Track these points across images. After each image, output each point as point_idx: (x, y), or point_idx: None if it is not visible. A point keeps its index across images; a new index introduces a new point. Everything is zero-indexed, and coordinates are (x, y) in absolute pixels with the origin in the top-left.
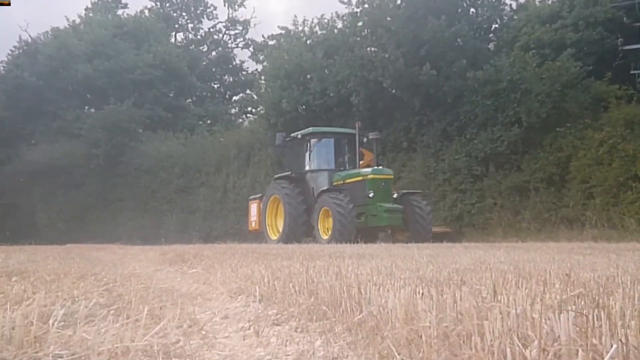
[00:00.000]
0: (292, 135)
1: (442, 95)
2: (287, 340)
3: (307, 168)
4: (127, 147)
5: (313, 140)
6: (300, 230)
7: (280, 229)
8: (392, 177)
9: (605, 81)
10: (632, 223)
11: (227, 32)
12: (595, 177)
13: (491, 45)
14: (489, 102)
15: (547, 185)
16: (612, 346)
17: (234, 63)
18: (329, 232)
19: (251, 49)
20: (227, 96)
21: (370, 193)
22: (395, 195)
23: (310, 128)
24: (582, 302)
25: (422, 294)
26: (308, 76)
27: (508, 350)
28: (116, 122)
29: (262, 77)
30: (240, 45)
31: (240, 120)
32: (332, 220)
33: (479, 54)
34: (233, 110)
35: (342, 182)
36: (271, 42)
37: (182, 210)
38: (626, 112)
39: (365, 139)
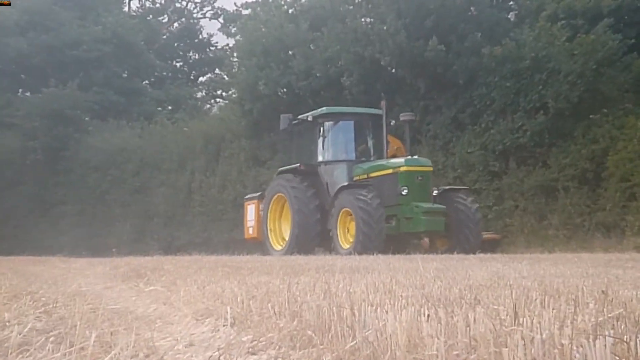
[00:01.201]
0: (300, 117)
1: (452, 75)
2: None
3: (319, 159)
4: (70, 139)
5: (327, 124)
6: (312, 237)
7: (287, 237)
8: (431, 169)
9: None
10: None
11: None
12: (637, 173)
13: (511, 15)
14: (508, 84)
15: (579, 184)
16: None
17: (200, 37)
18: (352, 240)
19: (221, 19)
20: (192, 77)
21: (403, 190)
22: (435, 193)
23: (324, 108)
24: (622, 326)
25: (428, 315)
26: (290, 53)
27: None
28: (57, 108)
29: (235, 54)
30: (207, 15)
31: (208, 106)
32: (354, 225)
33: (496, 25)
34: (199, 94)
35: (365, 176)
36: (245, 12)
37: (138, 215)
38: None
39: (392, 122)
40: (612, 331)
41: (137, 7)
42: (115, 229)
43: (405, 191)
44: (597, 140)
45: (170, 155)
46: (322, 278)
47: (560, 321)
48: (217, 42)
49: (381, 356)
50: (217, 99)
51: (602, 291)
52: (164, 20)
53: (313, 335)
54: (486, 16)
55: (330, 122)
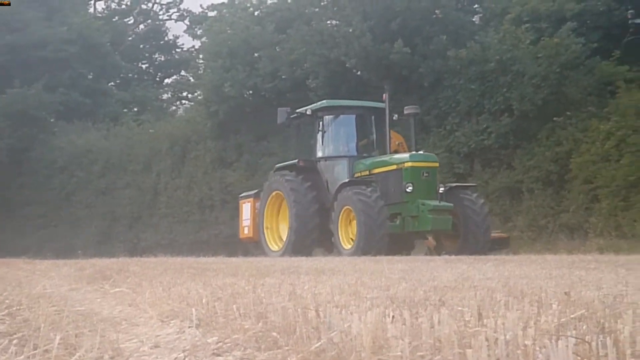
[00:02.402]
0: (298, 110)
1: (417, 78)
2: None
3: (319, 154)
4: (35, 139)
5: (327, 117)
6: (311, 237)
7: (284, 237)
8: (437, 164)
9: (612, 61)
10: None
11: (157, 0)
12: (600, 176)
13: (476, 18)
14: (473, 86)
15: (543, 186)
16: None
17: (166, 39)
18: (354, 241)
19: (187, 21)
20: (157, 78)
21: (408, 187)
22: (441, 190)
23: (324, 101)
24: (585, 327)
25: (393, 317)
26: (256, 54)
27: None
28: (22, 109)
29: (201, 56)
30: (173, 17)
31: (174, 107)
32: (356, 224)
33: (461, 28)
34: (165, 96)
35: (367, 172)
36: (211, 14)
37: (104, 217)
38: (638, 98)
39: (395, 116)
40: (574, 332)
41: (102, 8)
42: (80, 231)
43: (410, 188)
44: (561, 143)
45: (136, 157)
46: (288, 280)
47: (524, 322)
48: (183, 44)
49: (346, 357)
50: (183, 101)
51: (565, 292)
52: (129, 22)
53: (278, 336)
54: (451, 19)
55: (330, 116)
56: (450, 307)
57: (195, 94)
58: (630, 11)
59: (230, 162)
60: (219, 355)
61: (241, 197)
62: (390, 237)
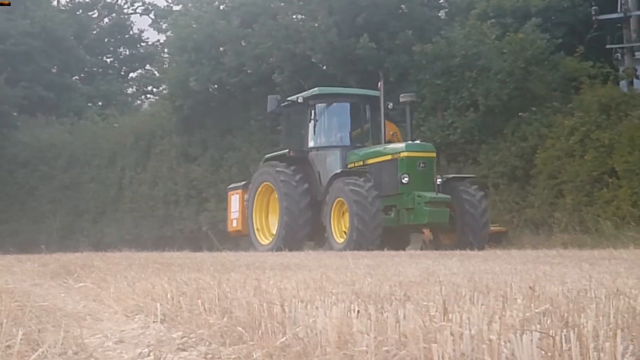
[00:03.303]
0: (289, 99)
1: (383, 72)
2: None
3: (311, 144)
4: None
5: (319, 106)
6: (302, 231)
7: (275, 231)
8: (434, 154)
9: (576, 57)
10: (609, 226)
11: None
12: (565, 171)
13: (442, 13)
14: (439, 81)
15: (508, 181)
16: None
17: (131, 32)
18: (346, 234)
19: (152, 15)
20: (122, 73)
21: (403, 178)
22: (438, 181)
23: (316, 89)
24: (549, 321)
25: (358, 312)
26: (221, 49)
27: None
28: None
29: (166, 50)
30: (138, 10)
31: (139, 102)
32: (348, 217)
33: (427, 23)
34: (130, 90)
35: (361, 163)
36: (176, 7)
37: (68, 211)
38: (601, 94)
39: (390, 104)
40: (538, 326)
41: (66, 1)
42: (44, 225)
43: (406, 179)
44: (526, 138)
45: (101, 152)
46: (253, 275)
47: (489, 317)
48: (148, 38)
49: (311, 352)
50: (148, 95)
51: (530, 287)
52: (94, 15)
53: (243, 331)
54: (417, 14)
55: (323, 104)
56: (416, 302)
57: (160, 88)
58: (594, 7)
59: (195, 156)
60: (183, 350)
61: (229, 188)
62: (384, 230)
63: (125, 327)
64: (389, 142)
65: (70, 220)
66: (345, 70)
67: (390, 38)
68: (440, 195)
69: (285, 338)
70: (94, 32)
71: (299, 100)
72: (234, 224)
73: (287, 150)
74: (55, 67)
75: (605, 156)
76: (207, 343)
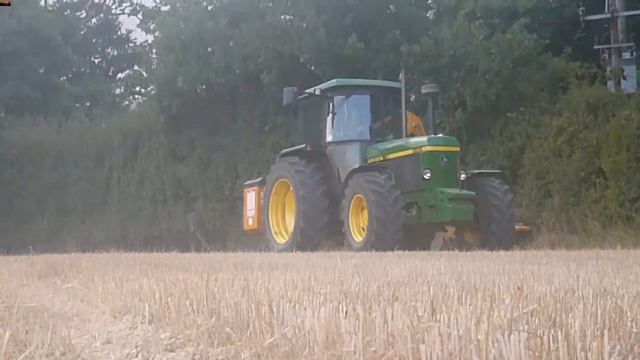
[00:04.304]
0: (307, 91)
1: (371, 72)
2: None
3: (329, 139)
4: None
5: (338, 98)
6: (320, 229)
7: (291, 229)
8: (458, 149)
9: (564, 57)
10: (596, 226)
11: None
12: (553, 171)
13: (430, 14)
14: (427, 81)
15: None
16: None
17: (118, 33)
18: (365, 233)
19: (140, 15)
20: (110, 73)
21: (425, 173)
22: (462, 177)
23: (334, 80)
24: (536, 321)
25: (346, 312)
26: (209, 49)
27: None
28: None
29: (154, 50)
30: (126, 10)
31: (127, 102)
32: (367, 215)
33: (415, 23)
34: (118, 90)
35: (381, 157)
36: (164, 8)
37: (55, 211)
38: (589, 95)
39: (412, 97)
40: (526, 326)
41: (54, 1)
42: (31, 226)
43: (428, 175)
44: (514, 138)
45: (88, 151)
46: (241, 275)
47: (477, 317)
48: (135, 39)
49: (299, 352)
50: (136, 95)
51: (518, 287)
52: (81, 16)
53: (231, 332)
54: (405, 14)
55: (342, 97)
56: (404, 302)
57: (148, 88)
58: (581, 8)
59: (183, 156)
60: (171, 350)
61: (245, 185)
62: (405, 229)
63: (113, 328)
64: (411, 135)
65: (57, 220)
66: (333, 70)
67: (378, 38)
68: (464, 191)
69: (273, 338)
70: (82, 32)
71: (317, 93)
72: (250, 223)
73: (304, 145)
74: (43, 67)
75: (592, 156)
76: (195, 343)
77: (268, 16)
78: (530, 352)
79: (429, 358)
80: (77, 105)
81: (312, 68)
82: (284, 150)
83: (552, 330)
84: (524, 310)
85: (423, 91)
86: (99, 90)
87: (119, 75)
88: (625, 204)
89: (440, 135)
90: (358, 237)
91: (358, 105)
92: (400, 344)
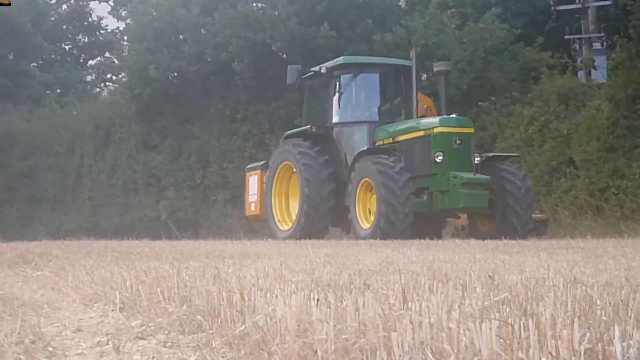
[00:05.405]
0: (312, 69)
1: None
2: (153, 357)
3: (335, 120)
4: None
5: (345, 77)
6: (325, 215)
7: (295, 216)
8: (472, 130)
9: (536, 47)
10: (566, 215)
11: None
12: (524, 161)
13: (402, 2)
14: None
15: None
16: None
17: (90, 19)
18: (373, 220)
19: (111, 2)
20: (81, 60)
21: (437, 156)
22: (477, 161)
23: (341, 58)
24: (508, 310)
25: (318, 300)
26: (181, 37)
27: None
28: None
29: (125, 38)
30: None
31: (98, 89)
32: (375, 200)
33: (387, 12)
34: (89, 78)
35: (391, 140)
36: None
37: (26, 200)
38: (560, 85)
39: (423, 76)
40: (497, 315)
41: None
42: (1, 214)
43: (440, 158)
44: (485, 128)
45: (59, 140)
46: (212, 263)
47: (449, 305)
48: (107, 25)
49: (271, 341)
50: (107, 83)
51: (489, 276)
52: (52, 2)
53: (202, 320)
54: (377, 3)
55: (349, 75)
56: (375, 291)
57: (120, 76)
58: None
59: (154, 145)
60: (142, 338)
61: (248, 168)
62: (415, 216)
63: (84, 316)
64: (423, 117)
65: (28, 208)
66: (305, 59)
67: (350, 27)
68: (478, 175)
69: (244, 326)
70: (52, 19)
71: (322, 71)
72: (252, 208)
73: (308, 127)
74: (12, 54)
75: (563, 146)
76: (166, 331)
77: (240, 4)
78: (502, 341)
79: (400, 346)
80: (48, 92)
81: (284, 56)
82: (288, 132)
83: (523, 319)
84: (496, 299)
85: (435, 69)
86: (70, 78)
87: (90, 62)
88: (595, 194)
89: (454, 115)
90: (365, 224)
91: (366, 84)
92: (371, 332)
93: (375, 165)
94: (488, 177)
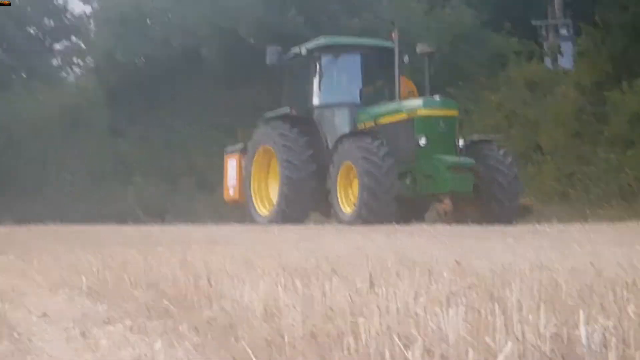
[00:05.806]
0: (293, 51)
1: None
2: (120, 343)
3: (315, 102)
4: None
5: (326, 58)
6: (305, 200)
7: (275, 200)
8: (456, 113)
9: (503, 34)
10: (533, 201)
11: None
12: None
13: None
14: None
15: None
16: (507, 344)
17: (55, 3)
18: (355, 204)
19: None
20: (47, 44)
21: (421, 139)
22: (461, 144)
23: (322, 38)
24: (474, 295)
25: (285, 286)
26: (148, 21)
27: (387, 352)
28: None
29: (92, 22)
30: None
31: (65, 74)
32: (357, 185)
33: None
34: (55, 62)
35: (373, 122)
36: None
37: None
38: (527, 71)
39: (406, 57)
40: (464, 300)
41: None
42: None
43: (424, 141)
44: None
45: (25, 126)
46: (179, 249)
47: (415, 291)
48: (73, 9)
49: (238, 326)
50: (74, 67)
51: (456, 262)
52: None
53: (169, 305)
54: None
55: (330, 57)
56: (342, 276)
57: (87, 60)
58: None
59: (122, 130)
60: (109, 323)
61: (226, 151)
62: (398, 200)
63: (50, 302)
64: (406, 99)
65: None
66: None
67: (318, 13)
68: (463, 159)
69: (211, 312)
70: (16, 1)
71: (303, 52)
72: (231, 192)
73: (289, 109)
74: None
75: (530, 132)
76: (133, 317)
77: None
78: (469, 326)
79: (367, 331)
80: (13, 77)
81: (252, 42)
82: (267, 114)
83: (490, 304)
84: (462, 285)
85: (418, 51)
86: (35, 62)
87: (56, 46)
88: (561, 180)
89: (437, 97)
90: (347, 209)
91: (348, 66)
92: (339, 317)
93: (358, 150)
94: (473, 160)
